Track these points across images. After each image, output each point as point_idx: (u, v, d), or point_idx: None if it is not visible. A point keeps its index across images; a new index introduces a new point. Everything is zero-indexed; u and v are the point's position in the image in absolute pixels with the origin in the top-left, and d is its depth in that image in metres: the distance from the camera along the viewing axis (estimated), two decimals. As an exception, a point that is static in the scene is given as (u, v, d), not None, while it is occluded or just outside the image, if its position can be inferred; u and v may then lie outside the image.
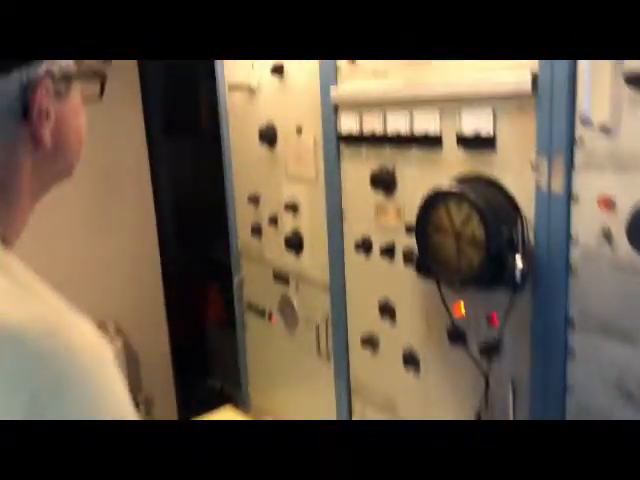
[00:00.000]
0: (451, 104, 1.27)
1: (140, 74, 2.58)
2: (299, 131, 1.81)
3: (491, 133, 1.20)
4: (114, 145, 2.48)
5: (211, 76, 2.12)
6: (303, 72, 1.74)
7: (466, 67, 1.23)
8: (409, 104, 1.37)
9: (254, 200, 2.03)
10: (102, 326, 2.42)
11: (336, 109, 1.62)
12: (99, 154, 2.32)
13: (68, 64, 0.68)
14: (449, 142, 1.30)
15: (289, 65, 1.79)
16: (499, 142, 1.20)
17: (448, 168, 1.32)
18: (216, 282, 3.08)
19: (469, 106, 1.24)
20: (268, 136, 1.91)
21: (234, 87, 2.01)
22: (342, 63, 1.56)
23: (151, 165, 2.66)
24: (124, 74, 2.42)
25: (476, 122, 1.23)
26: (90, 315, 0.61)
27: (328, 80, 1.62)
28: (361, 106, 1.52)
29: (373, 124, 1.48)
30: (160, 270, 2.74)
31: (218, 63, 2.09)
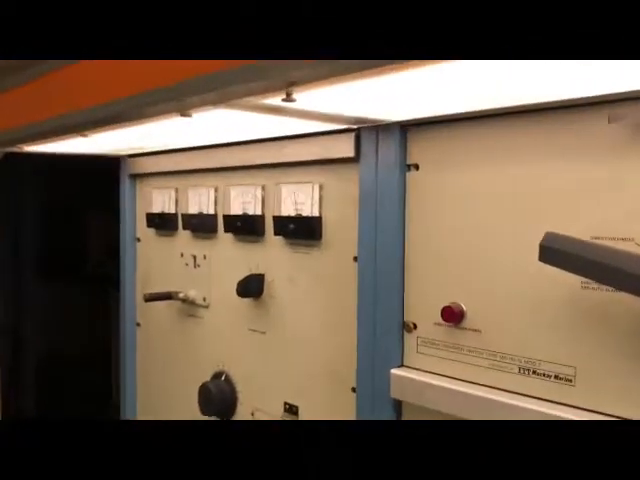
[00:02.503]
0: None
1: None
2: (291, 413, 0.89)
3: None
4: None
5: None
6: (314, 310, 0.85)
7: None
8: None
9: None
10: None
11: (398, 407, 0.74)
12: None
13: None
14: None
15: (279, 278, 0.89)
16: None
17: None
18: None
19: None
20: (213, 401, 0.98)
21: (154, 296, 1.07)
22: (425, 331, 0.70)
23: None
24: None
25: None
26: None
27: (385, 353, 0.74)
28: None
29: None
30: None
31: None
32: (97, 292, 2.01)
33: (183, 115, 0.62)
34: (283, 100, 0.52)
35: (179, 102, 0.55)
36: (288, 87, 0.49)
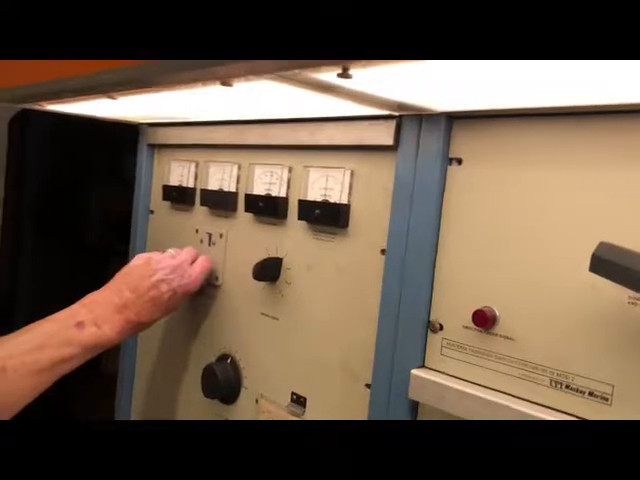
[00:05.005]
0: None
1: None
2: (297, 404, 0.86)
3: None
4: None
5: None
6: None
7: None
8: None
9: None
10: None
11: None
12: None
13: None
14: None
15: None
16: None
17: None
18: None
19: None
20: (216, 383, 0.95)
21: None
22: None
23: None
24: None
25: None
26: None
27: (406, 352, 0.71)
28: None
29: None
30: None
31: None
32: (99, 263, 1.96)
33: (224, 84, 0.58)
34: (338, 75, 0.48)
35: (224, 67, 0.52)
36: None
